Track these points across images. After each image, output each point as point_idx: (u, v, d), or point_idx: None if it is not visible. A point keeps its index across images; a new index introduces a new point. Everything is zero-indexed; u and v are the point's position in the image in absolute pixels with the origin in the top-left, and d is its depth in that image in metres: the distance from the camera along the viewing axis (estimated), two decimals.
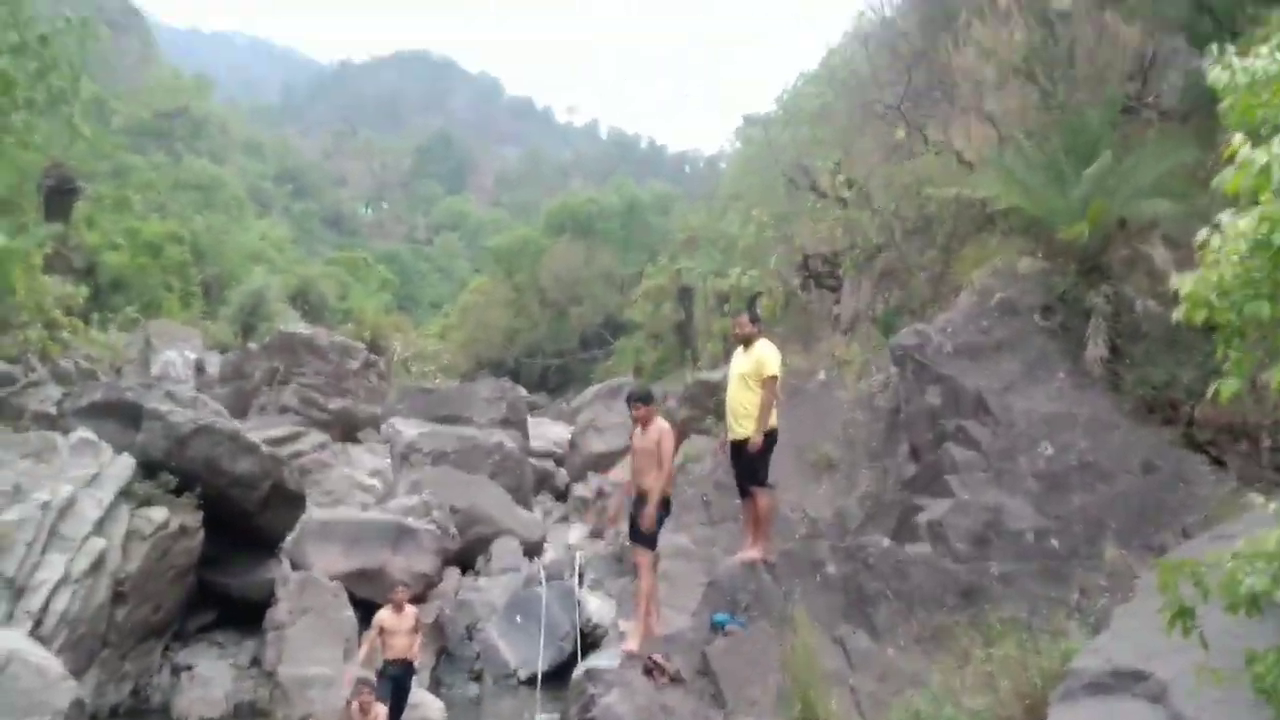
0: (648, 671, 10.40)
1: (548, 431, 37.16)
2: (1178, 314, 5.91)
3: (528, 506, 28.37)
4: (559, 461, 34.65)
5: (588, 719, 10.13)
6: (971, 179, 15.87)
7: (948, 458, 12.28)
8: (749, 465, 11.33)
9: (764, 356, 11.29)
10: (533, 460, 31.73)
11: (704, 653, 10.51)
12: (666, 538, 14.04)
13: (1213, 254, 5.71)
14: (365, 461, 30.57)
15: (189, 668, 18.18)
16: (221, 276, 51.80)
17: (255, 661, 18.53)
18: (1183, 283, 5.86)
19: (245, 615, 19.26)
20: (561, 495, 33.13)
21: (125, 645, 17.26)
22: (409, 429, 29.24)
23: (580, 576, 22.39)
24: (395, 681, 15.22)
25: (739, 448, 11.35)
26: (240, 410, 31.27)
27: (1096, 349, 12.65)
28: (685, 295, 41.55)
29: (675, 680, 10.35)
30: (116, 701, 17.21)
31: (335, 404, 32.70)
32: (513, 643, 21.65)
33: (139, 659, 17.75)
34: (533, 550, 25.24)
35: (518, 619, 21.97)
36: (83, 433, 17.71)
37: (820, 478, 13.86)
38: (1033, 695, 8.85)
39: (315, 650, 17.92)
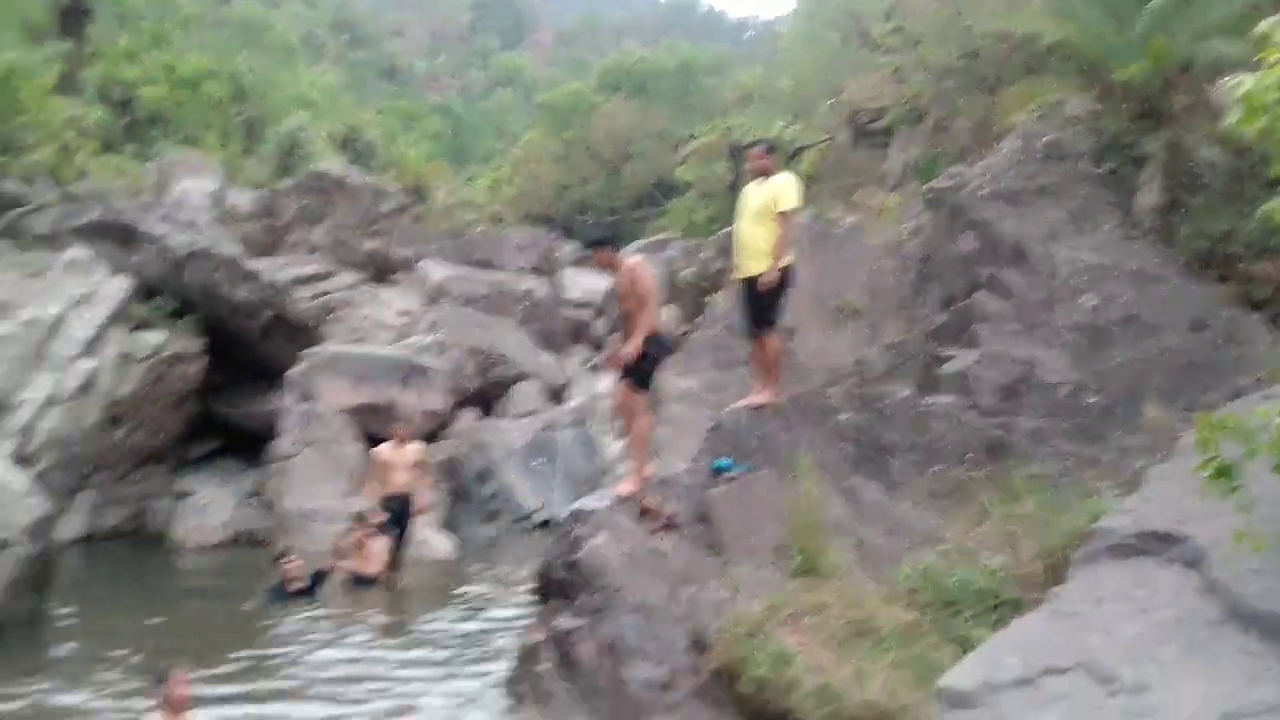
0: (641, 515, 9.70)
1: (585, 282, 36.31)
2: (1229, 119, 5.00)
3: (558, 353, 27.76)
4: (597, 312, 33.87)
5: (573, 561, 9.46)
6: (1021, 14, 14.69)
7: (979, 307, 11.40)
8: (759, 305, 10.48)
9: (781, 189, 10.37)
10: (568, 310, 31.00)
11: (702, 498, 9.80)
12: (672, 382, 13.30)
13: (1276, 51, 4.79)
14: (395, 303, 29.83)
15: (190, 494, 17.76)
16: (263, 117, 50.68)
17: (257, 492, 18.11)
18: (1238, 85, 4.94)
19: (250, 446, 18.82)
20: (598, 345, 32.45)
21: (122, 469, 16.85)
22: (439, 271, 28.56)
23: (603, 423, 21.84)
24: (395, 516, 14.72)
25: (749, 286, 10.51)
26: (271, 249, 30.65)
27: (1150, 198, 11.66)
28: (736, 154, 40.29)
29: (670, 525, 9.64)
30: (115, 524, 16.92)
31: (367, 245, 31.76)
32: (530, 486, 21.24)
33: (138, 484, 17.38)
34: (555, 395, 24.66)
35: (536, 462, 21.52)
36: (76, 251, 17.04)
37: (842, 327, 13.04)
38: (1054, 556, 8.12)
39: (318, 483, 17.47)
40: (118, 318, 16.51)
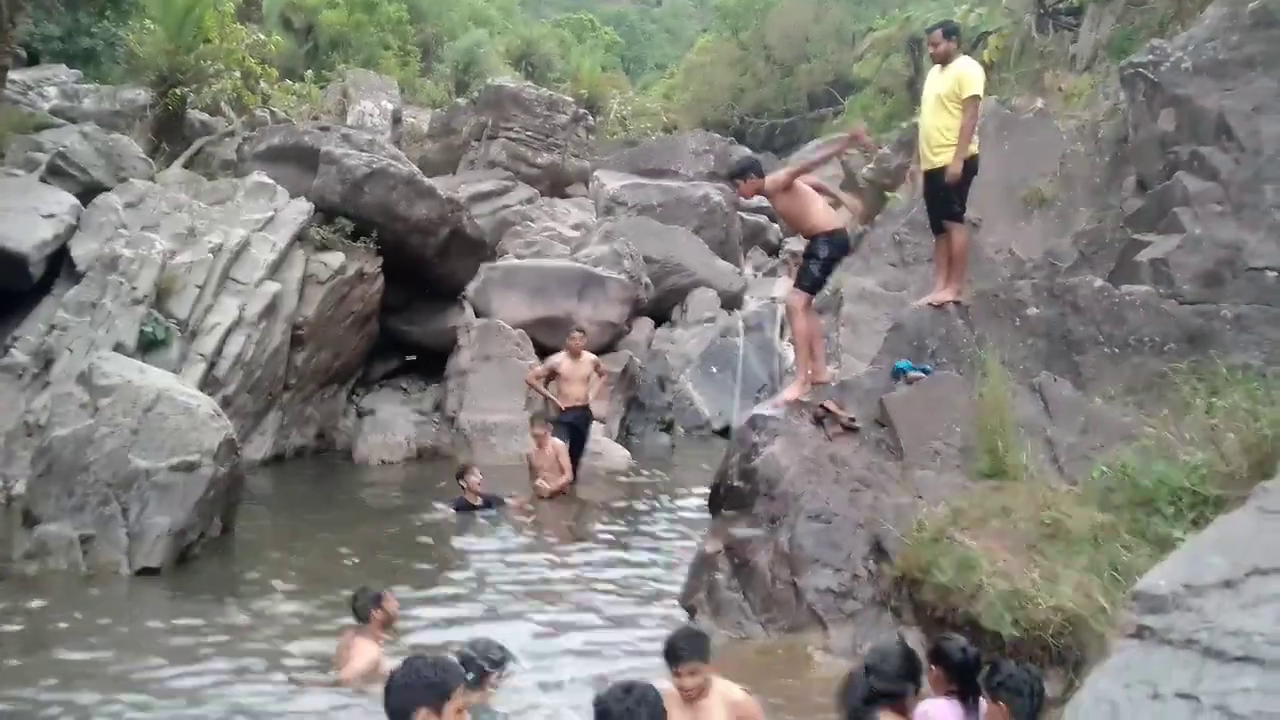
0: (818, 420, 9.34)
1: None
2: None
3: (735, 260, 27.44)
4: (773, 217, 33.34)
5: (749, 469, 9.17)
6: None
7: (1179, 189, 10.59)
8: (944, 197, 9.97)
9: (964, 74, 9.79)
10: (744, 215, 30.58)
11: (882, 401, 9.38)
12: (851, 281, 12.83)
13: None
14: (571, 216, 29.87)
15: (372, 413, 18.00)
16: (440, 36, 51.03)
17: (438, 408, 18.26)
18: None
19: (429, 363, 19.00)
20: (774, 250, 32.01)
21: (307, 389, 17.11)
22: (613, 182, 28.40)
23: (781, 329, 21.41)
24: (572, 428, 14.66)
25: (933, 178, 9.99)
26: (450, 166, 30.96)
27: None
28: (914, 46, 38.94)
29: (848, 429, 9.27)
30: (302, 444, 17.20)
31: (543, 159, 31.93)
32: (707, 394, 21.04)
33: (323, 404, 17.64)
34: (732, 302, 24.34)
35: (713, 370, 21.32)
36: (258, 176, 17.24)
37: (1031, 216, 12.33)
38: (1261, 450, 7.49)
39: (496, 397, 17.54)
40: (299, 240, 16.66)
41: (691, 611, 8.92)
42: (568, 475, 14.17)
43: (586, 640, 8.80)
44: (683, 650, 5.80)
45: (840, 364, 11.63)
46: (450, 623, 9.11)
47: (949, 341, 9.74)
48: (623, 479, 16.08)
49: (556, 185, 32.41)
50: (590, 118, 38.04)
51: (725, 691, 6.00)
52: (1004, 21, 24.34)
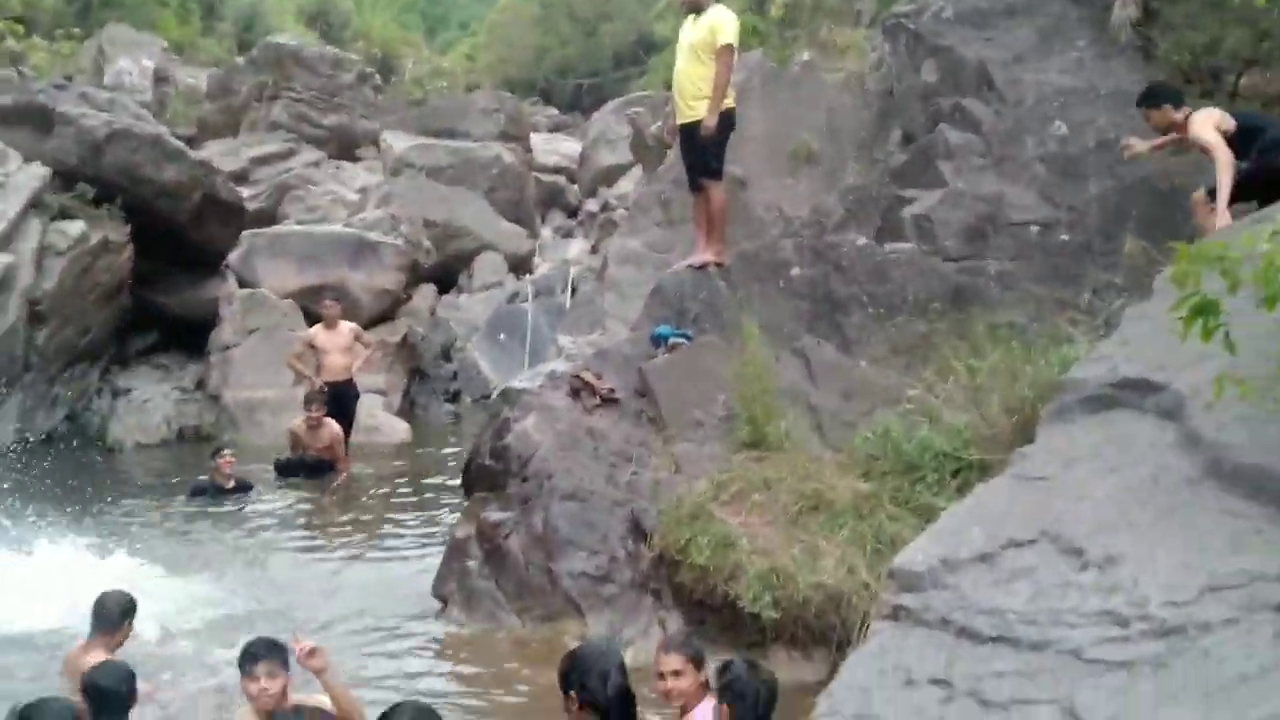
0: (575, 392, 8.84)
1: (560, 146, 35.07)
2: None
3: (530, 222, 26.77)
4: (571, 178, 32.76)
5: (500, 446, 8.63)
6: None
7: (941, 142, 10.37)
8: (700, 153, 9.52)
9: (718, 22, 9.34)
10: (542, 176, 29.92)
11: (641, 369, 8.92)
12: (616, 242, 12.37)
13: None
14: (358, 179, 28.72)
15: (128, 392, 16.88)
16: None
17: (200, 385, 17.22)
18: None
19: (191, 337, 17.86)
20: (573, 212, 31.39)
21: (52, 369, 15.92)
22: (400, 143, 27.37)
23: (573, 291, 20.84)
24: (335, 404, 13.84)
25: (689, 132, 9.53)
26: (231, 128, 29.50)
27: (1125, 10, 10.57)
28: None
29: (607, 401, 8.79)
30: (50, 427, 16.00)
31: (329, 119, 30.61)
32: (494, 361, 20.27)
33: (71, 383, 16.44)
34: (521, 266, 23.66)
35: (500, 337, 20.58)
36: None
37: (798, 172, 11.98)
38: (1023, 412, 7.29)
39: (264, 373, 16.59)
40: (35, 208, 15.42)
41: (444, 602, 8.36)
42: (342, 463, 13.45)
43: (326, 630, 8.15)
44: (258, 652, 5.46)
45: (605, 330, 11.14)
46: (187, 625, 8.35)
47: (711, 305, 9.33)
48: (400, 453, 15.38)
49: (345, 148, 31.14)
50: (378, 77, 36.78)
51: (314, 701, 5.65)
52: None
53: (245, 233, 18.87)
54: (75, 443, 15.93)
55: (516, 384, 9.21)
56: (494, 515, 8.32)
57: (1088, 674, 3.98)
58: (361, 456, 14.51)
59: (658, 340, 9.10)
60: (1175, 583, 4.11)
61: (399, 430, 16.48)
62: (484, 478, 8.72)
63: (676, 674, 5.10)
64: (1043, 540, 4.84)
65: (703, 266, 9.53)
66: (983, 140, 10.22)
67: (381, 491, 13.00)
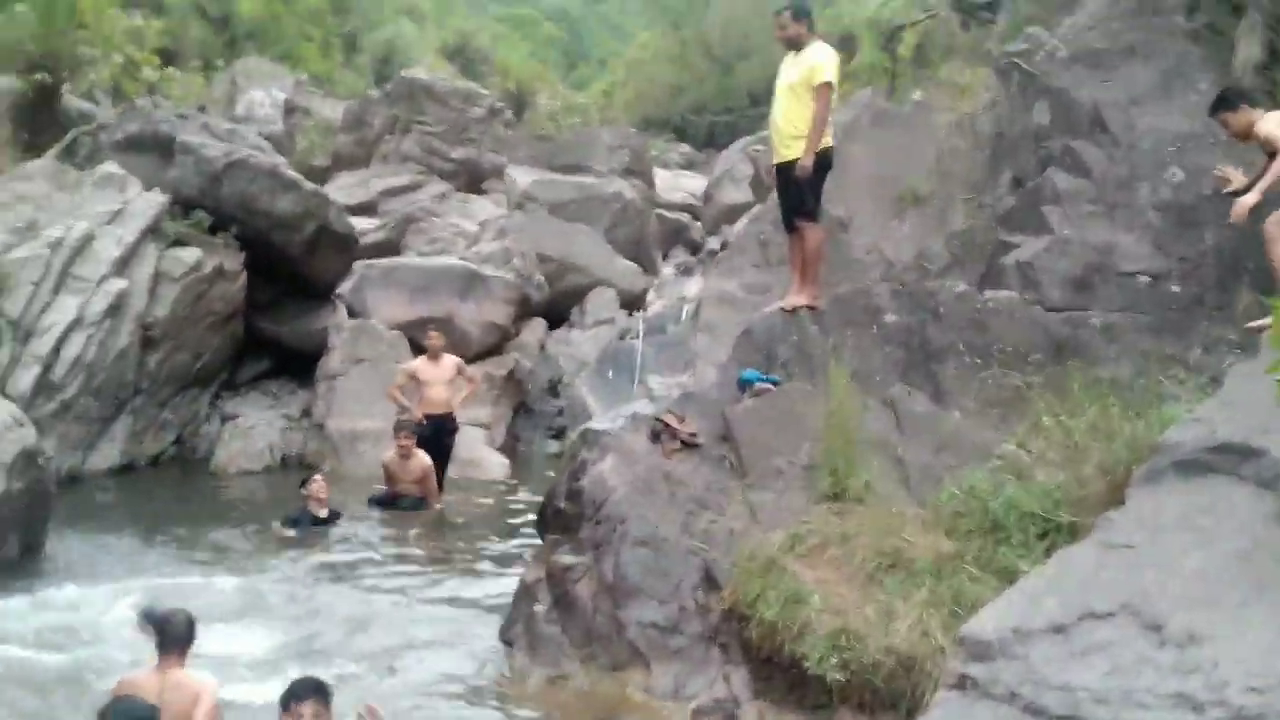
0: (655, 435, 8.59)
1: (685, 183, 35.09)
2: None
3: (650, 259, 26.65)
4: (695, 216, 32.68)
5: (575, 489, 8.43)
6: None
7: (1050, 186, 9.96)
8: (795, 193, 9.24)
9: (817, 61, 9.08)
10: (666, 213, 29.87)
11: (724, 414, 8.65)
12: (712, 283, 12.14)
13: None
14: (482, 212, 28.95)
15: (235, 418, 17.06)
16: (365, 29, 49.85)
17: (306, 413, 17.32)
18: None
19: (301, 366, 18.00)
20: (696, 249, 31.25)
21: (163, 394, 16.16)
22: (524, 178, 27.48)
23: (687, 328, 20.62)
24: (434, 437, 13.81)
25: (785, 172, 9.27)
26: (364, 160, 30.02)
27: (1249, 50, 10.08)
28: (846, 43, 38.37)
29: (688, 445, 8.54)
30: (158, 451, 16.25)
31: (458, 153, 30.95)
32: (602, 398, 20.07)
33: (181, 408, 16.67)
34: (634, 303, 23.53)
35: (609, 374, 20.41)
36: (108, 166, 16.26)
37: (904, 215, 11.66)
38: (1118, 473, 6.86)
39: (367, 403, 16.58)
40: (152, 235, 15.70)
41: (510, 645, 8.17)
42: (433, 497, 13.41)
43: (390, 672, 8.01)
44: (303, 692, 5.44)
45: (695, 371, 10.91)
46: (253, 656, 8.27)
47: (801, 350, 9.04)
48: (498, 490, 15.26)
49: (473, 181, 31.45)
50: (509, 112, 37.15)
51: None
52: (919, 15, 23.68)
53: (358, 263, 19.00)
54: (181, 467, 16.17)
55: (596, 425, 8.94)
56: (565, 559, 8.12)
57: None
58: (457, 490, 14.44)
59: (743, 384, 8.84)
60: (1259, 668, 3.81)
61: (498, 466, 16.39)
62: (558, 520, 8.52)
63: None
64: (1122, 613, 4.52)
65: (795, 310, 9.24)
66: (1093, 185, 9.80)
67: (469, 529, 12.89)
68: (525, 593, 8.23)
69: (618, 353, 20.67)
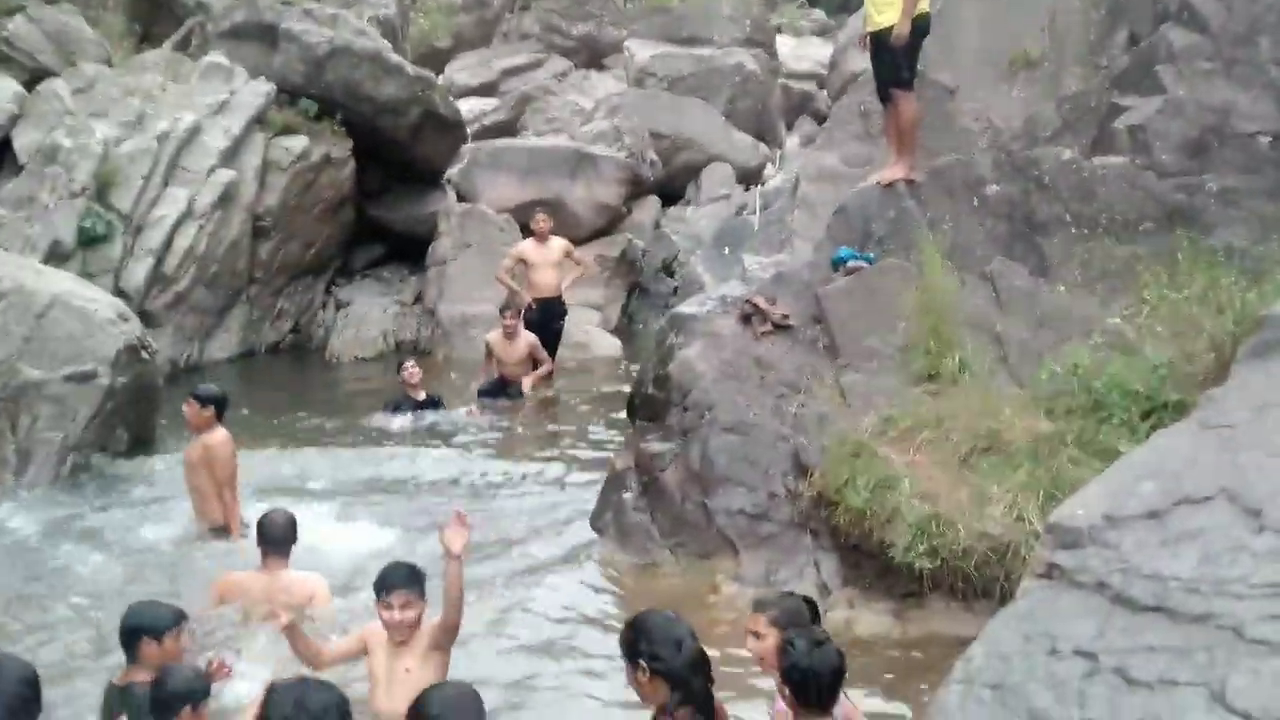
0: (745, 318, 8.39)
1: (811, 51, 34.03)
2: None
3: (772, 132, 26.07)
4: (822, 85, 31.82)
5: (663, 375, 8.29)
6: None
7: (1164, 44, 9.35)
8: (890, 62, 8.84)
9: None
10: (791, 83, 29.09)
11: (817, 294, 8.40)
12: (811, 157, 11.74)
13: None
14: (601, 89, 28.55)
15: (348, 306, 17.21)
16: None
17: (418, 299, 17.40)
18: None
19: (413, 252, 18.03)
20: (823, 120, 30.38)
21: (277, 283, 16.36)
22: (643, 52, 26.97)
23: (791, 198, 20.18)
24: (543, 319, 13.77)
25: (879, 40, 8.85)
26: (484, 39, 29.85)
27: None
28: None
29: (780, 327, 8.33)
30: (276, 340, 16.54)
31: (578, 29, 30.50)
32: (717, 275, 19.85)
33: (296, 296, 16.89)
34: (751, 178, 23.08)
35: (725, 251, 20.14)
36: (213, 57, 16.25)
37: (1014, 79, 11.12)
38: (1226, 347, 6.50)
39: (477, 287, 16.56)
40: (259, 125, 15.75)
41: (600, 533, 8.12)
42: (545, 366, 13.45)
43: (486, 558, 8.01)
44: (395, 579, 5.39)
45: (793, 250, 10.61)
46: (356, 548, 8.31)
47: (897, 225, 8.72)
48: (608, 371, 15.19)
49: (593, 57, 30.98)
50: None
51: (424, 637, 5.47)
52: None
53: (467, 146, 18.89)
54: (298, 355, 16.40)
55: (684, 309, 8.74)
56: (653, 446, 8.01)
57: (1246, 655, 3.56)
58: (566, 374, 14.40)
59: (837, 263, 8.57)
60: None
61: (609, 347, 16.30)
62: (646, 406, 8.41)
63: (757, 635, 4.69)
64: (1220, 498, 4.33)
65: (891, 183, 8.89)
66: (1210, 41, 9.17)
67: (576, 413, 12.85)
68: (614, 480, 8.15)
69: (733, 229, 20.34)
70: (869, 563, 6.92)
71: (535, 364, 13.39)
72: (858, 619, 6.78)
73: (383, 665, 5.45)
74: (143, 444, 10.65)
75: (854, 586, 6.99)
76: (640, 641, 4.20)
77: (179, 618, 5.34)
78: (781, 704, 4.45)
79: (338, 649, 5.76)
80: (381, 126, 16.79)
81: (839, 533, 7.04)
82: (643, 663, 4.16)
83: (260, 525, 6.73)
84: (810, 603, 4.60)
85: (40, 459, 9.53)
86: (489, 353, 13.34)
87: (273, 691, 3.64)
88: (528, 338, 13.36)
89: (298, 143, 15.96)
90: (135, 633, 5.20)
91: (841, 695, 4.36)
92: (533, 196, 18.09)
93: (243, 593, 6.58)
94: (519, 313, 13.41)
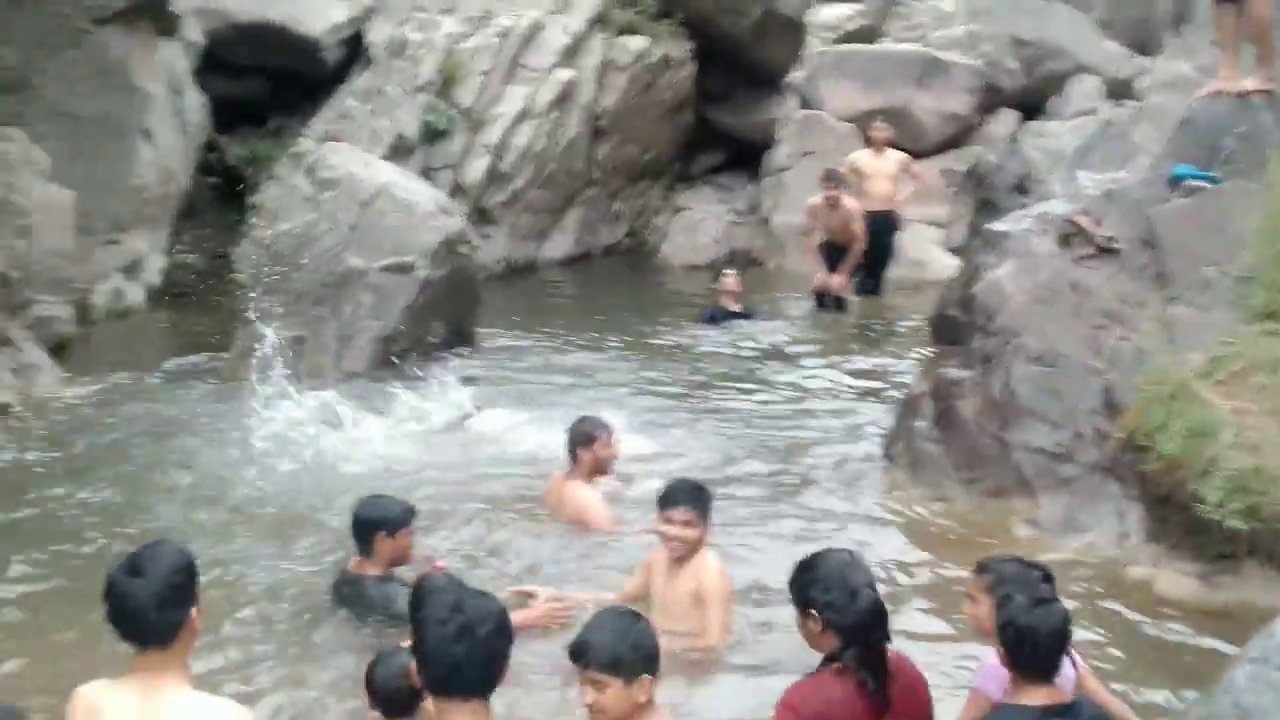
0: (1065, 239, 7.69)
1: None
2: None
3: (1155, 41, 24.17)
4: None
5: (968, 296, 7.73)
6: None
7: None
8: None
9: None
10: None
11: (1149, 215, 7.60)
12: (1162, 64, 10.66)
13: None
14: None
15: (684, 211, 17.12)
16: None
17: (754, 208, 17.11)
18: None
19: (755, 159, 17.69)
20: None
21: (613, 185, 16.42)
22: None
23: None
24: (873, 233, 13.30)
25: None
26: None
27: None
28: None
29: (1104, 250, 7.59)
30: (611, 242, 16.67)
31: None
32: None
33: (632, 200, 16.90)
34: (1122, 91, 21.49)
35: (1084, 170, 18.87)
36: None
37: None
38: None
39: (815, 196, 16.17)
40: (599, 24, 15.69)
41: (890, 460, 7.70)
42: (859, 241, 13.10)
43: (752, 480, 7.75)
44: (678, 496, 5.30)
45: (1135, 166, 9.63)
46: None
47: (1250, 142, 7.72)
48: (936, 293, 14.53)
49: None
50: None
51: (707, 563, 5.36)
52: None
53: (812, 52, 18.33)
54: (631, 259, 16.46)
55: (998, 225, 8.11)
56: (951, 372, 7.52)
57: None
58: (899, 291, 13.89)
59: (1175, 181, 7.71)
60: None
61: (946, 266, 15.55)
62: (948, 329, 7.90)
63: (973, 599, 4.21)
64: None
65: (1245, 94, 7.91)
66: None
67: (895, 335, 12.35)
68: (909, 407, 7.72)
69: (1098, 147, 18.99)
70: (1178, 517, 6.23)
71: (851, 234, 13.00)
72: (1158, 578, 6.14)
73: (659, 588, 5.45)
74: (461, 337, 10.86)
75: (1159, 543, 6.32)
76: (811, 588, 3.79)
77: (409, 514, 5.48)
78: (989, 671, 3.98)
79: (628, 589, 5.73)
80: (721, 24, 16.46)
81: (1148, 481, 6.38)
82: (814, 612, 3.75)
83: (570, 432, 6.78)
84: (1045, 573, 4.01)
85: (359, 346, 9.85)
86: (811, 215, 13.16)
87: (428, 591, 3.38)
88: (850, 206, 13.01)
89: (637, 42, 15.85)
90: (369, 526, 5.37)
91: (1077, 661, 3.89)
92: (878, 104, 17.37)
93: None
94: (839, 183, 13.07)
